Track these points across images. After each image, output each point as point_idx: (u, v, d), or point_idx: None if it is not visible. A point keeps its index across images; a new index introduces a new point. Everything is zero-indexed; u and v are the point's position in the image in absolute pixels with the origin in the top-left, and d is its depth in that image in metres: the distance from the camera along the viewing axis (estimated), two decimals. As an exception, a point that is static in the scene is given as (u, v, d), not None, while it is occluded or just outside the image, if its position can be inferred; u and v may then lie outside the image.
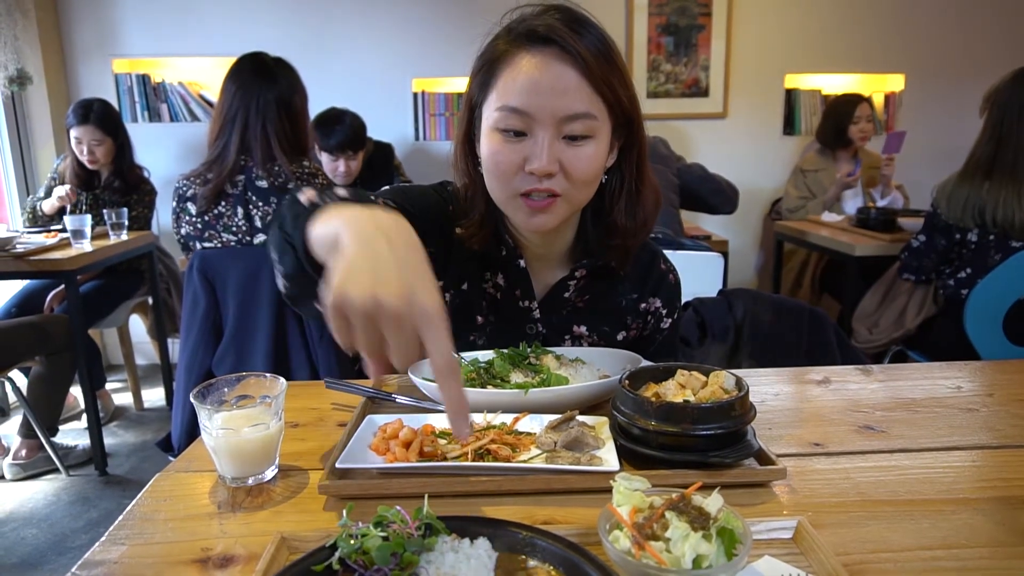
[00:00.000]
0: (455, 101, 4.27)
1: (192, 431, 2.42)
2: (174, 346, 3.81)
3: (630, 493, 0.70)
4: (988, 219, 2.52)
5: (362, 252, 0.69)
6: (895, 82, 4.53)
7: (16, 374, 3.07)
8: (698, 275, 2.24)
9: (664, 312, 1.34)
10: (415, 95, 4.31)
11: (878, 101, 4.49)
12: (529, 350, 1.17)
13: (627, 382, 0.95)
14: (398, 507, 0.68)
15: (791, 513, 0.79)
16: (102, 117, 3.39)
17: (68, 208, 3.43)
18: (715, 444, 0.87)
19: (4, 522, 2.71)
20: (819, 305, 3.46)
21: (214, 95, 4.15)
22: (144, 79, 4.20)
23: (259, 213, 2.32)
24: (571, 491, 0.87)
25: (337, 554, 0.63)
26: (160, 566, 0.74)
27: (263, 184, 2.31)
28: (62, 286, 3.34)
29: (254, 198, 2.31)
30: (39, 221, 3.50)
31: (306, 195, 0.90)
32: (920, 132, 4.38)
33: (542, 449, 0.92)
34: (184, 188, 2.33)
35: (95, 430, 3.05)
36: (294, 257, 0.87)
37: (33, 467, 3.06)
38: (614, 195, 1.19)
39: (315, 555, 0.64)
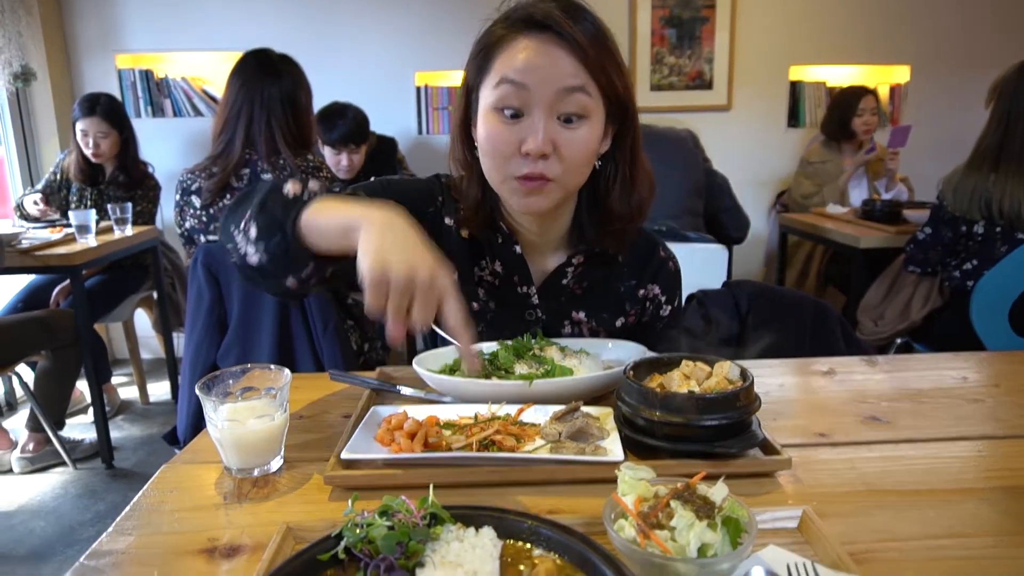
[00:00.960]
0: (458, 95, 4.25)
1: (198, 424, 2.43)
2: (179, 340, 3.82)
3: (635, 482, 0.70)
4: (995, 210, 2.51)
5: (389, 235, 0.87)
6: (901, 73, 4.51)
7: (23, 368, 3.08)
8: (703, 268, 2.24)
9: (663, 299, 1.35)
10: (418, 89, 4.30)
11: (883, 93, 4.46)
12: (533, 341, 1.17)
13: (631, 372, 0.95)
14: (403, 497, 0.68)
15: (796, 503, 0.79)
16: (109, 110, 3.40)
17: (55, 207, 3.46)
18: (720, 434, 0.87)
19: (13, 514, 2.72)
20: (824, 298, 3.45)
21: (217, 90, 4.16)
22: (147, 74, 4.20)
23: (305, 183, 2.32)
24: (576, 481, 0.87)
25: (343, 543, 0.64)
26: (167, 556, 0.74)
27: (268, 177, 2.32)
28: (68, 281, 3.35)
29: (258, 192, 2.31)
30: (27, 218, 3.49)
31: (290, 187, 1.03)
32: (926, 124, 4.36)
33: (547, 440, 0.92)
34: (189, 182, 2.34)
35: (101, 424, 3.06)
36: (282, 239, 0.98)
37: (41, 460, 3.08)
38: (609, 181, 1.20)
39: (321, 544, 0.64)
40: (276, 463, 0.93)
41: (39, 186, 3.59)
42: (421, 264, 0.83)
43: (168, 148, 4.24)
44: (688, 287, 1.42)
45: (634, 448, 0.91)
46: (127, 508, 0.84)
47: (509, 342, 1.17)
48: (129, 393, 3.95)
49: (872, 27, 4.39)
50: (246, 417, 0.88)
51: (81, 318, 2.98)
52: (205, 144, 2.49)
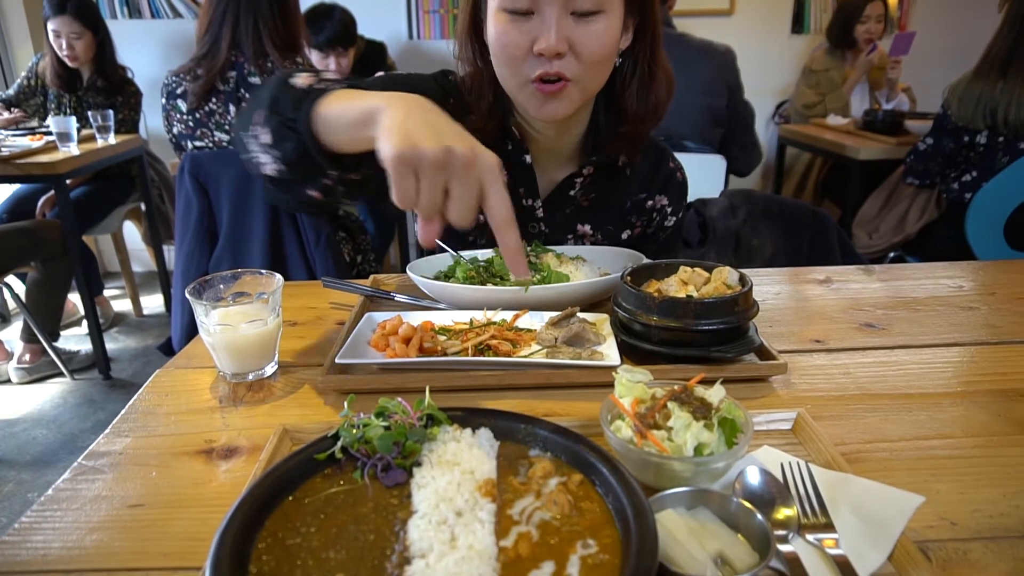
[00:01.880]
0: (450, -2, 4.07)
1: (192, 335, 2.42)
2: (170, 253, 3.79)
3: (632, 385, 0.70)
4: (1000, 119, 2.45)
5: (416, 116, 0.72)
6: (911, -24, 4.32)
7: (14, 281, 3.06)
8: (701, 177, 2.20)
9: (669, 210, 1.32)
10: (408, -10, 4.10)
11: (892, -4, 4.29)
12: (529, 248, 1.15)
13: (629, 278, 0.93)
14: (400, 399, 0.68)
15: (791, 406, 0.80)
16: (79, 7, 3.22)
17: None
18: (717, 339, 0.87)
19: (15, 423, 2.77)
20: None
21: (197, -11, 3.95)
22: (122, -29, 3.98)
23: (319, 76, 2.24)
24: (571, 386, 0.87)
25: (339, 443, 0.64)
26: (164, 456, 0.75)
27: (255, 80, 2.23)
28: (52, 191, 3.28)
29: (246, 95, 2.23)
30: None
31: (302, 79, 0.88)
32: (935, 30, 4.20)
33: (543, 345, 0.92)
34: (174, 85, 2.25)
35: (96, 336, 3.07)
36: (297, 142, 0.85)
37: (38, 371, 3.11)
38: (626, 79, 1.13)
39: (318, 444, 0.64)
40: (270, 368, 0.92)
41: (10, 91, 3.45)
42: (455, 141, 0.69)
43: (147, 53, 4.06)
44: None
45: (631, 353, 0.91)
46: (122, 411, 0.84)
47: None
48: (122, 306, 3.95)
49: (885, -76, 4.16)
50: (238, 322, 0.87)
51: (68, 229, 2.93)
52: (187, 48, 2.38)
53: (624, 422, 0.67)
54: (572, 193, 1.25)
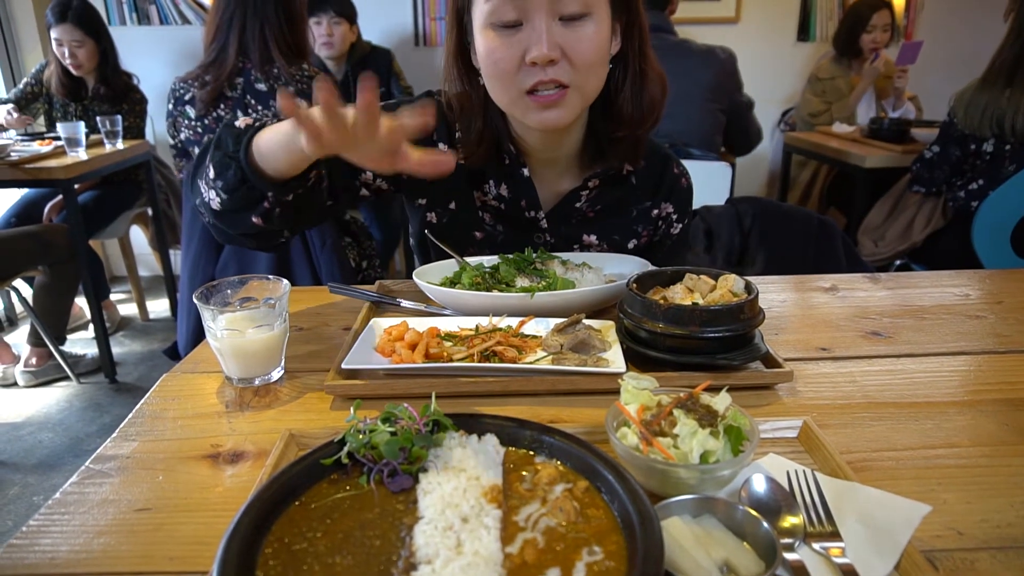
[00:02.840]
0: (456, 3, 4.08)
1: (198, 340, 2.42)
2: (176, 257, 3.81)
3: (638, 392, 0.70)
4: (1007, 127, 2.45)
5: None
6: (918, -16, 4.32)
7: (21, 285, 3.07)
8: (706, 184, 2.20)
9: (675, 217, 1.31)
10: (415, -3, 4.12)
11: (898, 4, 4.29)
12: (535, 255, 1.15)
13: (635, 285, 0.94)
14: (406, 404, 0.68)
15: (797, 414, 0.79)
16: (81, 15, 3.24)
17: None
18: (723, 346, 0.87)
19: (21, 426, 2.78)
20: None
21: (205, -4, 3.98)
22: (131, -22, 4.01)
23: (257, 117, 2.25)
24: (577, 392, 0.87)
25: (346, 448, 0.64)
26: (171, 461, 0.75)
27: (262, 87, 2.24)
28: (60, 196, 3.30)
29: (253, 101, 2.25)
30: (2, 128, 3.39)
31: (242, 121, 1.01)
32: (941, 39, 4.20)
33: (548, 351, 0.92)
34: (182, 91, 2.26)
35: (102, 339, 3.09)
36: (237, 169, 0.97)
37: (44, 374, 3.12)
38: (619, 83, 1.13)
39: (324, 449, 0.64)
40: (277, 373, 0.93)
41: (11, 95, 3.47)
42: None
43: (156, 59, 4.09)
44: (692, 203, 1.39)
45: (636, 360, 0.91)
46: (130, 415, 0.85)
47: (510, 256, 1.15)
48: (128, 310, 3.97)
49: (891, -67, 4.17)
50: (245, 327, 0.88)
51: (76, 233, 2.95)
52: (194, 55, 2.40)
53: (630, 429, 0.67)
54: (578, 205, 1.24)
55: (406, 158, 0.81)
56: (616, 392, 0.72)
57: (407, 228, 1.37)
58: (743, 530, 0.57)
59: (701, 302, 0.91)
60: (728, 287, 0.91)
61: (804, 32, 4.37)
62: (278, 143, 0.94)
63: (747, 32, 4.31)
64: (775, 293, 1.24)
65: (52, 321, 3.03)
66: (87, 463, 0.75)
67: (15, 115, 3.26)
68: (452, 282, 1.13)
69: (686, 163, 1.38)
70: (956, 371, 0.94)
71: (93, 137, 3.19)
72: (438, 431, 0.67)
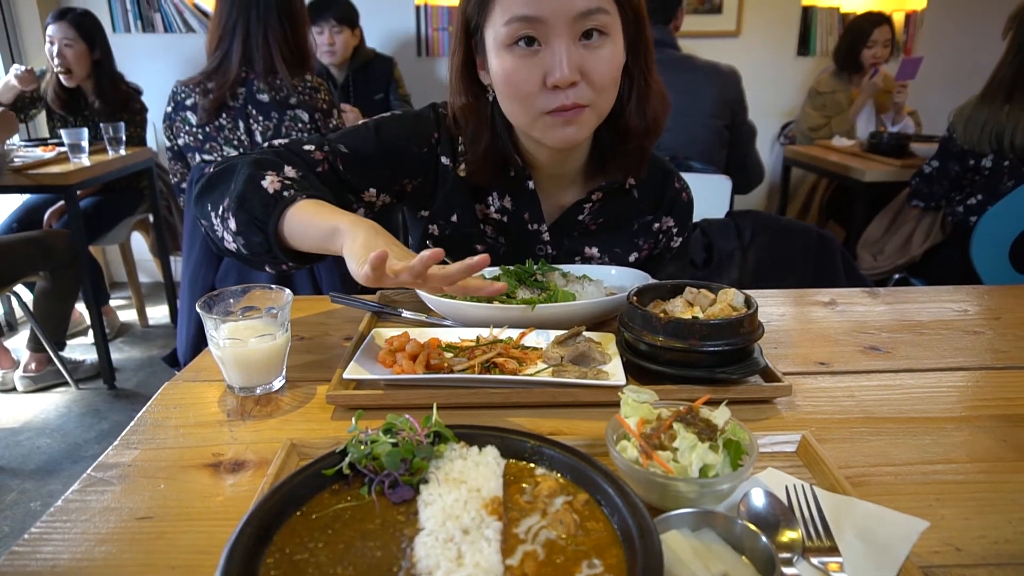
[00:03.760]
0: (459, 14, 4.11)
1: (197, 347, 2.44)
2: (176, 264, 3.81)
3: (638, 405, 0.70)
4: (1006, 143, 2.46)
5: (370, 241, 0.87)
6: (917, 0, 4.35)
7: (22, 290, 3.08)
8: (706, 197, 2.21)
9: (675, 231, 1.32)
10: (418, 8, 4.15)
11: (898, 20, 4.32)
12: (536, 267, 1.16)
13: (635, 298, 0.94)
14: (407, 415, 0.68)
15: (795, 428, 0.80)
16: (78, 18, 3.24)
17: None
18: (722, 360, 0.87)
19: (19, 431, 2.77)
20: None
21: (209, 3, 4.00)
22: (136, -14, 4.04)
23: (259, 128, 2.26)
24: (577, 404, 0.88)
25: (347, 459, 0.64)
26: (172, 469, 0.75)
27: (264, 98, 2.25)
28: (61, 202, 3.31)
29: (254, 112, 2.25)
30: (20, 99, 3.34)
31: (269, 181, 1.02)
32: (940, 54, 4.23)
33: (548, 363, 0.92)
34: (183, 95, 2.27)
35: (102, 345, 3.09)
36: (264, 240, 1.01)
37: (43, 380, 3.12)
38: (624, 96, 1.13)
39: (326, 460, 0.65)
40: (278, 382, 0.93)
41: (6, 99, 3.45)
42: (402, 255, 0.84)
43: (160, 67, 4.11)
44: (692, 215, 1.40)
45: (636, 373, 0.91)
46: (132, 423, 0.85)
47: (511, 267, 1.16)
48: (128, 316, 3.97)
49: (891, -51, 4.20)
50: (247, 336, 0.88)
51: (77, 239, 2.95)
52: (197, 62, 2.40)
53: (630, 442, 0.67)
54: (580, 218, 1.25)
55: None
56: (616, 405, 0.73)
57: (407, 237, 1.37)
58: (742, 544, 0.58)
59: (701, 316, 0.91)
60: (728, 301, 0.92)
61: (804, 46, 4.40)
62: (314, 237, 0.96)
63: (748, 46, 4.34)
64: (774, 307, 1.25)
65: (52, 326, 3.04)
66: (89, 470, 0.75)
67: (23, 71, 3.14)
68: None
69: (687, 176, 1.39)
70: (954, 387, 0.95)
71: (96, 144, 3.20)
72: (439, 442, 0.67)
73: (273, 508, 0.59)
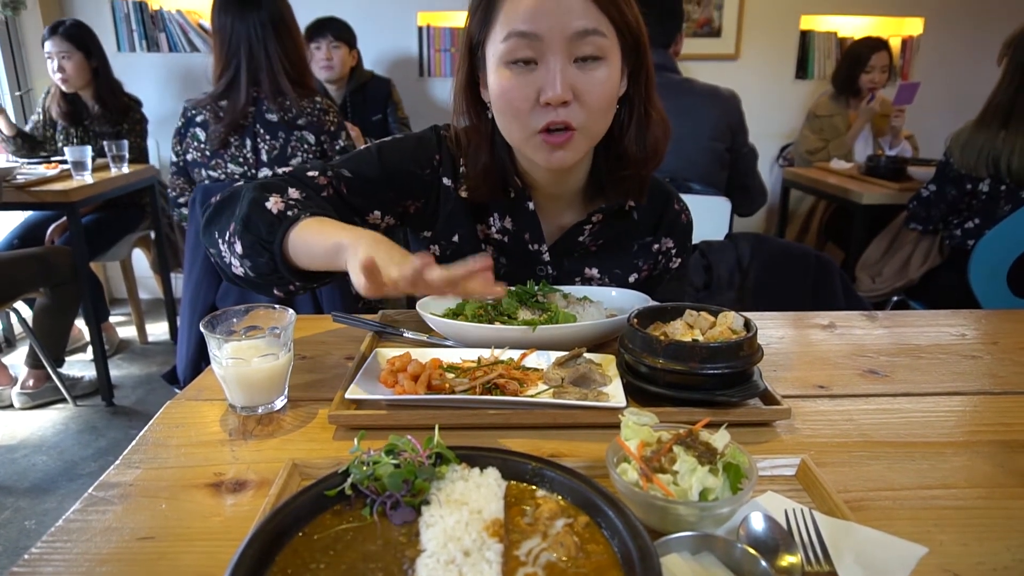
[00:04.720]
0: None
1: (197, 364, 2.44)
2: (177, 281, 3.82)
3: (638, 428, 0.71)
4: (1003, 168, 2.48)
5: (375, 252, 0.83)
6: (914, 26, 4.41)
7: (22, 306, 3.08)
8: (706, 219, 2.23)
9: (675, 252, 1.34)
10: (420, 29, 4.20)
11: (895, 45, 4.37)
12: (537, 288, 1.17)
13: (635, 320, 0.95)
14: (409, 436, 0.69)
15: (794, 452, 0.80)
16: (70, 30, 3.32)
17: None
18: (722, 383, 0.88)
19: (15, 448, 2.76)
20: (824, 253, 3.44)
21: (213, 24, 4.04)
22: (141, 6, 4.08)
23: (265, 147, 2.30)
24: (577, 426, 0.88)
25: (349, 480, 0.64)
26: (174, 489, 0.76)
27: (273, 117, 2.29)
28: (63, 219, 3.33)
29: (262, 131, 2.29)
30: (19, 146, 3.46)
31: (273, 202, 1.03)
32: (937, 79, 4.28)
33: (549, 385, 0.93)
34: (194, 112, 2.30)
35: (101, 362, 3.08)
36: (269, 259, 1.01)
37: (41, 396, 3.11)
38: (624, 124, 1.15)
39: (328, 481, 0.65)
40: (280, 401, 0.94)
41: (28, 127, 3.54)
42: (406, 264, 0.81)
43: (164, 85, 4.16)
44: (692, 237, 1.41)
45: (636, 395, 0.92)
46: (134, 442, 0.85)
47: (512, 288, 1.17)
48: (128, 332, 3.97)
49: (887, -24, 4.27)
50: (250, 356, 0.89)
51: (78, 256, 2.96)
52: (203, 82, 2.44)
53: (630, 465, 0.68)
54: (581, 239, 1.26)
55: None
56: (616, 426, 0.73)
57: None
58: (741, 568, 0.58)
59: (701, 339, 0.92)
60: (727, 324, 0.93)
61: (802, 70, 4.45)
62: (319, 255, 0.96)
63: (746, 69, 4.39)
64: (773, 329, 1.26)
65: (51, 343, 3.04)
66: (90, 490, 0.75)
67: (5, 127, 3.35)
68: (455, 313, 1.15)
69: (687, 197, 1.41)
70: (952, 411, 0.95)
71: (99, 161, 3.23)
72: (441, 464, 0.68)
73: (275, 529, 0.59)
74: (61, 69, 3.31)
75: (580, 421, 0.88)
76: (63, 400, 3.12)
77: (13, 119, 3.84)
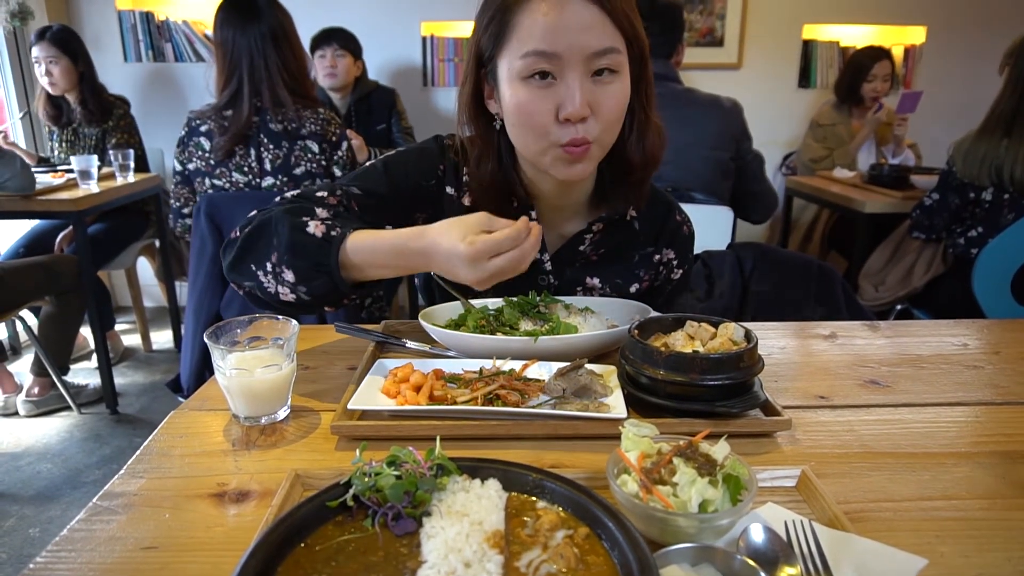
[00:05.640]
0: (465, 46, 4.18)
1: (201, 373, 2.45)
2: (182, 289, 3.83)
3: (639, 439, 0.71)
4: (1005, 177, 2.49)
5: (452, 234, 0.96)
6: (916, 35, 4.41)
7: (27, 314, 3.09)
8: (708, 228, 2.23)
9: (676, 263, 1.34)
10: (424, 39, 4.22)
11: (897, 54, 4.38)
12: (539, 299, 1.17)
13: (636, 331, 0.95)
14: (411, 447, 0.69)
15: (795, 463, 0.80)
16: (57, 35, 3.37)
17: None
18: (722, 394, 0.88)
19: (20, 456, 2.77)
20: (826, 262, 3.44)
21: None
22: (148, 16, 4.11)
23: (269, 156, 2.32)
24: (578, 437, 0.88)
25: (351, 491, 0.65)
26: (177, 499, 0.76)
27: (276, 128, 2.31)
28: (71, 227, 3.35)
29: (265, 140, 2.31)
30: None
31: (314, 226, 1.05)
32: (939, 88, 4.28)
33: (550, 395, 0.93)
34: (197, 123, 2.32)
35: (105, 370, 3.10)
36: (327, 280, 1.03)
37: (46, 404, 3.12)
38: (626, 131, 1.15)
39: (330, 491, 0.65)
40: (283, 412, 0.94)
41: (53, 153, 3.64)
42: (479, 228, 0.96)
43: (170, 95, 4.18)
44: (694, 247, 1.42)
45: (637, 406, 0.92)
46: (138, 452, 0.86)
47: (514, 299, 1.17)
48: (132, 340, 3.98)
49: (889, -15, 4.28)
50: (254, 366, 0.89)
51: (84, 264, 2.98)
52: (209, 91, 2.45)
53: (630, 476, 0.68)
54: (582, 248, 1.27)
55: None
56: (617, 437, 0.74)
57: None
58: (741, 580, 0.58)
59: (701, 350, 0.92)
60: (728, 335, 0.93)
61: (805, 79, 4.46)
62: (385, 254, 1.01)
63: (749, 78, 4.40)
64: (774, 340, 1.26)
65: (57, 351, 3.05)
66: (95, 499, 0.76)
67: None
68: (457, 324, 1.15)
69: (689, 207, 1.41)
70: (954, 422, 0.95)
71: (105, 170, 3.26)
72: (442, 475, 0.68)
73: (277, 539, 0.59)
74: (48, 73, 3.38)
75: (581, 432, 0.88)
76: (68, 408, 3.14)
77: (19, 125, 3.89)
